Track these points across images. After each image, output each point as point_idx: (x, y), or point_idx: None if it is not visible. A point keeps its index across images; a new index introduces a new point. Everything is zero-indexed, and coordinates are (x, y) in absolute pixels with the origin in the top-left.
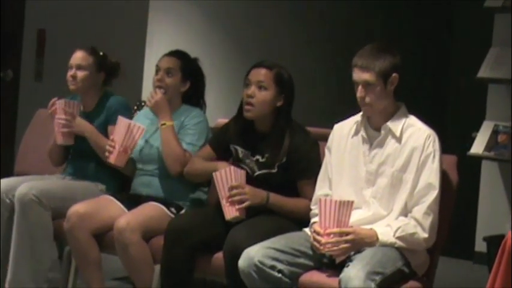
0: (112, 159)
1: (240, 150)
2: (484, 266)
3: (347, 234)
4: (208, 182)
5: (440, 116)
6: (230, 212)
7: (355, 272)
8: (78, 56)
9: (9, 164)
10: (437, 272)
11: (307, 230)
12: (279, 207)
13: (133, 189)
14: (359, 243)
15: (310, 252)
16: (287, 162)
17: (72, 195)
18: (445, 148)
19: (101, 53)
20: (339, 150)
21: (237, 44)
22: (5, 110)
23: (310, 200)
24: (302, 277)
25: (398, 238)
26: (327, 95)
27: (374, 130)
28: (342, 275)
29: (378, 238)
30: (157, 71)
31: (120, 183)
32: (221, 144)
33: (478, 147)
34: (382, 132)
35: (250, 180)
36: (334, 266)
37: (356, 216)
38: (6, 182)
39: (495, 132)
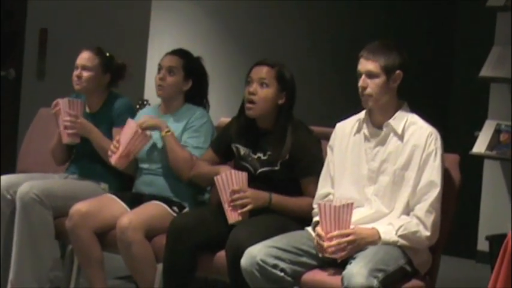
0: (113, 160)
1: (241, 148)
2: (486, 265)
3: (347, 235)
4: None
5: (442, 115)
6: (233, 217)
7: (357, 269)
8: (84, 57)
9: (11, 162)
10: (439, 271)
11: (309, 228)
12: (282, 208)
13: (135, 188)
14: (361, 243)
15: (313, 251)
16: (290, 159)
17: (74, 194)
18: (448, 147)
19: (108, 54)
20: (341, 148)
21: (239, 43)
22: (7, 109)
23: (313, 197)
24: (304, 276)
25: (400, 236)
26: (330, 95)
27: (376, 128)
28: (344, 272)
29: (380, 237)
30: (159, 69)
31: (123, 182)
32: (222, 146)
33: (480, 146)
34: (384, 129)
35: (253, 178)
36: (336, 264)
37: (358, 215)
38: (7, 178)
39: (497, 132)
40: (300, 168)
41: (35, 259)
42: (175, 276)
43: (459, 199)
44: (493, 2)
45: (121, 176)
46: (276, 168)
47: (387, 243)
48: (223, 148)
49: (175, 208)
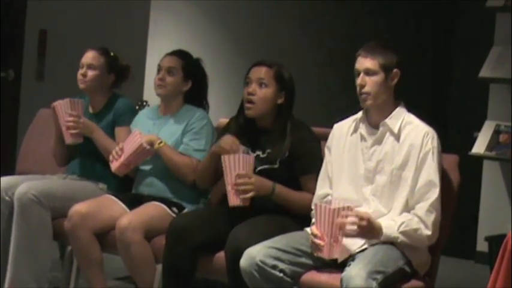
0: (114, 167)
1: (240, 147)
2: (486, 266)
3: (362, 218)
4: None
5: (441, 115)
6: (234, 200)
7: (356, 270)
8: (90, 56)
9: (10, 163)
10: (438, 272)
11: (308, 229)
12: (284, 200)
13: (135, 189)
14: (367, 233)
15: (312, 251)
16: (289, 157)
17: (73, 195)
18: (447, 148)
19: (112, 54)
20: (338, 148)
21: (238, 44)
22: (6, 110)
23: (313, 194)
24: (303, 276)
25: (401, 233)
26: (329, 95)
27: (372, 127)
28: (343, 274)
29: (382, 231)
30: (159, 70)
31: (123, 182)
32: None
33: (479, 147)
34: (381, 129)
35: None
36: (335, 265)
37: None
38: (6, 180)
39: (497, 132)
40: (299, 166)
41: (33, 259)
42: (175, 277)
43: (458, 200)
44: (492, 3)
45: (121, 176)
46: (275, 166)
47: (388, 239)
48: (218, 166)
49: (174, 209)
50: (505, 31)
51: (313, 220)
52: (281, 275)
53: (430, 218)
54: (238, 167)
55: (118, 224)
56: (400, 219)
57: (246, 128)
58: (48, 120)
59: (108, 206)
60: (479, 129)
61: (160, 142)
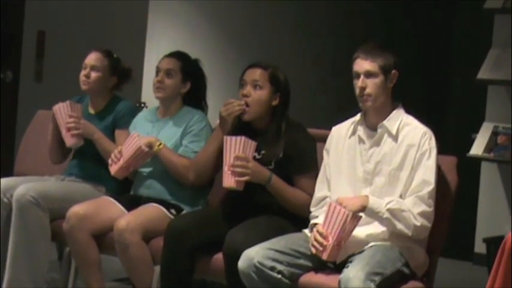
0: (113, 170)
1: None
2: (484, 267)
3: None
4: (210, 183)
5: (440, 117)
6: (229, 181)
7: (354, 272)
8: (94, 57)
9: (9, 165)
10: (436, 273)
11: (306, 231)
12: (278, 192)
13: (133, 190)
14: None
15: (310, 253)
16: (284, 158)
17: (71, 197)
18: (445, 149)
19: (115, 56)
20: (337, 151)
21: (236, 45)
22: (4, 111)
23: (308, 194)
24: (302, 278)
25: (388, 210)
26: (326, 97)
27: (371, 129)
28: (341, 276)
29: (368, 204)
30: (157, 72)
31: (121, 184)
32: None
33: (477, 148)
34: (379, 130)
35: None
36: (333, 267)
37: None
38: (4, 181)
39: (495, 134)
40: (294, 166)
41: (31, 261)
42: (173, 278)
43: (456, 201)
44: (490, 4)
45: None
46: (271, 167)
47: (373, 213)
48: (221, 151)
49: (172, 210)
50: (503, 33)
51: (312, 221)
52: (279, 276)
53: (417, 209)
54: (238, 149)
55: (116, 226)
56: (390, 198)
57: (241, 129)
58: (47, 122)
59: (106, 208)
60: (477, 130)
61: (160, 144)
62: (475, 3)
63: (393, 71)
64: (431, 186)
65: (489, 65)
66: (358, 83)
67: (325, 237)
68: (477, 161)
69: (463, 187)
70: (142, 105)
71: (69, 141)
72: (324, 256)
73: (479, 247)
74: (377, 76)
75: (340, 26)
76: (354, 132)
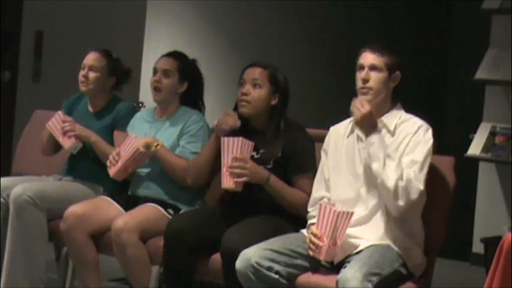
0: (112, 172)
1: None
2: (481, 268)
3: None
4: (208, 184)
5: (438, 117)
6: (227, 183)
7: (352, 273)
8: (92, 57)
9: (6, 164)
10: (434, 273)
11: (304, 231)
12: (276, 192)
13: (131, 190)
14: None
15: (307, 253)
16: (282, 157)
17: (68, 197)
18: (443, 149)
19: (114, 57)
20: (335, 151)
21: (235, 45)
22: (2, 111)
23: (307, 193)
24: (299, 278)
25: (387, 156)
26: (326, 97)
27: None
28: (339, 276)
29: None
30: (154, 72)
31: (119, 184)
32: (218, 149)
33: (475, 148)
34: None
35: None
36: (331, 267)
37: (354, 216)
38: (1, 181)
39: (492, 134)
40: (293, 165)
41: (28, 261)
42: (177, 278)
43: (454, 201)
44: (488, 5)
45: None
46: (269, 166)
47: (373, 153)
48: (219, 151)
49: (170, 210)
50: (501, 33)
51: (310, 221)
52: (277, 276)
53: (399, 185)
54: (236, 150)
55: (114, 226)
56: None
57: (240, 129)
58: (44, 122)
59: (104, 208)
60: (475, 130)
61: (157, 144)
62: (472, 4)
63: (397, 72)
64: (417, 165)
65: (487, 65)
66: (361, 74)
67: (319, 238)
68: (475, 161)
69: (461, 187)
70: (140, 105)
71: (67, 143)
72: (321, 257)
73: (477, 247)
74: (381, 71)
75: (340, 26)
76: (352, 131)
